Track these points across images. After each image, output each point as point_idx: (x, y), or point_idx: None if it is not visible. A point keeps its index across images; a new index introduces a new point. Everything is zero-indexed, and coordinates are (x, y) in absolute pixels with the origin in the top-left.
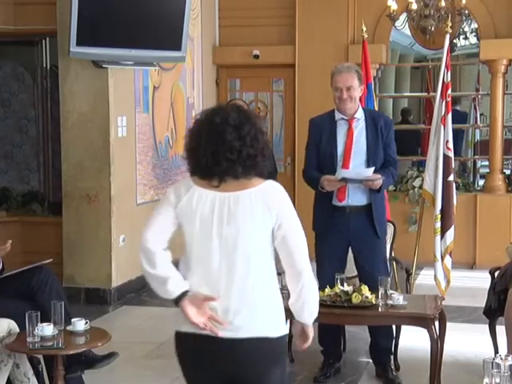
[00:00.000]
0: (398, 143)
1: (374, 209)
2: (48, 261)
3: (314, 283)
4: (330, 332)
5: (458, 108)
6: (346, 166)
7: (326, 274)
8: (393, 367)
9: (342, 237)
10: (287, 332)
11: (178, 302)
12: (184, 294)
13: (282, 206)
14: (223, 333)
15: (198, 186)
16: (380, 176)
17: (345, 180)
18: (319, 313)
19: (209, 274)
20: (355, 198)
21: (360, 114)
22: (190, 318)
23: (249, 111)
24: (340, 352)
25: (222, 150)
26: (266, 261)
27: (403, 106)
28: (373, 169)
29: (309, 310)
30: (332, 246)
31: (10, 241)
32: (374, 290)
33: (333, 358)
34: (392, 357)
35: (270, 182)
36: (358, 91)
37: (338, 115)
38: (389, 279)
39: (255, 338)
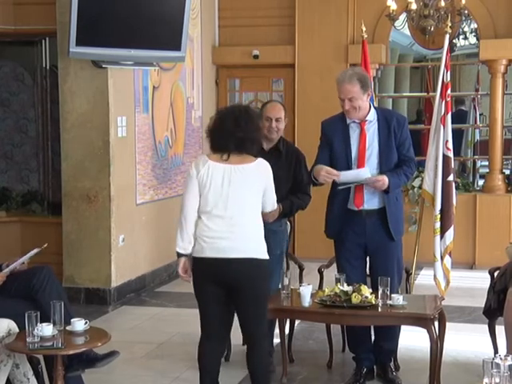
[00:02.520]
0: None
1: (388, 212)
2: (43, 246)
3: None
4: (360, 337)
5: (463, 108)
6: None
7: (350, 276)
8: (393, 367)
9: (359, 239)
10: (267, 257)
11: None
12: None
13: (269, 177)
14: (228, 253)
15: (212, 160)
16: (381, 178)
17: (346, 187)
18: (319, 313)
19: (219, 217)
20: (371, 202)
21: (372, 116)
22: (179, 270)
23: (251, 111)
24: (372, 357)
25: (232, 133)
26: (257, 209)
27: (417, 108)
28: (368, 169)
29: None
30: (351, 249)
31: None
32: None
33: (366, 363)
34: (393, 358)
35: (261, 160)
36: (361, 100)
37: (349, 119)
38: (398, 282)
39: (249, 258)
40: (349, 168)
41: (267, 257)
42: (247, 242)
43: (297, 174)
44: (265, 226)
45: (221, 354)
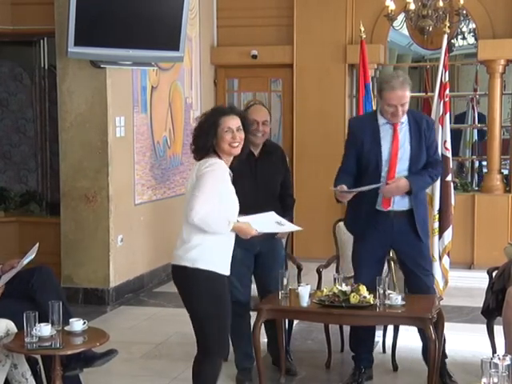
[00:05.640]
0: None
1: (415, 213)
2: (35, 245)
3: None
4: (362, 337)
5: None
6: (391, 172)
7: (363, 277)
8: (450, 372)
9: (384, 238)
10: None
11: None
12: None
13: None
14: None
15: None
16: (397, 181)
17: (354, 191)
18: (317, 313)
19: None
20: (400, 204)
21: (404, 118)
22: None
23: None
24: (372, 358)
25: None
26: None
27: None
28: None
29: None
30: (371, 247)
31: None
32: (420, 291)
33: (364, 363)
34: (446, 361)
35: (204, 160)
36: (408, 104)
37: (381, 120)
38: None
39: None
40: (379, 169)
41: (198, 265)
42: (174, 249)
43: (286, 170)
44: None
45: None
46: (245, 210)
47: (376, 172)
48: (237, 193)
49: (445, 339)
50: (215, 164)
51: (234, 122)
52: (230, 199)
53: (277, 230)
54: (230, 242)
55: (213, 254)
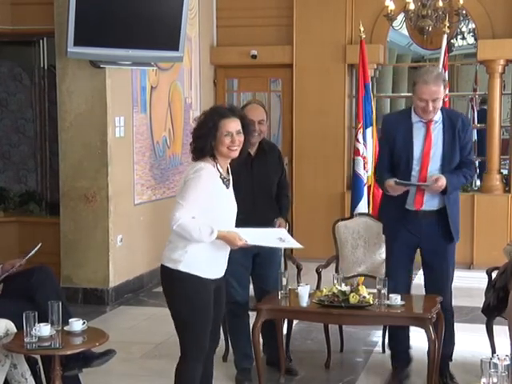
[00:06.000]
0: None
1: (449, 212)
2: (38, 246)
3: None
4: (399, 336)
5: (485, 107)
6: (423, 171)
7: (397, 276)
8: (452, 373)
9: (412, 239)
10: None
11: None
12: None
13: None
14: None
15: None
16: (438, 179)
17: (403, 184)
18: (317, 313)
19: None
20: (430, 203)
21: (438, 117)
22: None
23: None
24: (409, 357)
25: None
26: None
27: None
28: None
29: None
30: (405, 247)
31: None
32: (441, 292)
33: (402, 363)
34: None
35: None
36: (441, 100)
37: (415, 117)
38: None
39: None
40: (409, 167)
41: (176, 267)
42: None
43: (282, 168)
44: None
45: None
46: (241, 209)
47: (406, 170)
48: (234, 192)
49: (454, 342)
50: (201, 170)
51: (233, 126)
52: (217, 206)
53: (275, 245)
54: (219, 247)
55: (197, 258)
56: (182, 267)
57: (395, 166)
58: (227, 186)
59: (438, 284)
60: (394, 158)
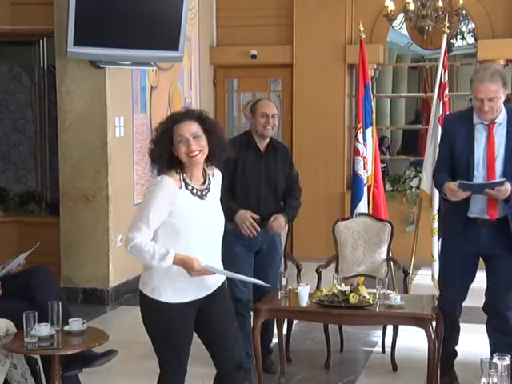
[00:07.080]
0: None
1: (511, 222)
2: (36, 246)
3: None
4: (451, 328)
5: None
6: (490, 177)
7: (453, 284)
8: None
9: (470, 248)
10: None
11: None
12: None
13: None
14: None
15: None
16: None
17: (466, 188)
18: (317, 313)
19: None
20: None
21: (502, 118)
22: None
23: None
24: (455, 352)
25: None
26: None
27: (415, 108)
28: None
29: None
30: (464, 257)
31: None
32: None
33: (452, 361)
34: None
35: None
36: (501, 100)
37: (476, 119)
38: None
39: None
40: (470, 171)
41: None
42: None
43: (290, 169)
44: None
45: None
46: (247, 202)
47: (467, 174)
48: (240, 184)
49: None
50: (157, 184)
51: (187, 129)
52: (186, 222)
53: (234, 277)
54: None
55: (159, 282)
56: (147, 291)
57: (455, 169)
58: (201, 197)
59: (498, 292)
60: (454, 160)
